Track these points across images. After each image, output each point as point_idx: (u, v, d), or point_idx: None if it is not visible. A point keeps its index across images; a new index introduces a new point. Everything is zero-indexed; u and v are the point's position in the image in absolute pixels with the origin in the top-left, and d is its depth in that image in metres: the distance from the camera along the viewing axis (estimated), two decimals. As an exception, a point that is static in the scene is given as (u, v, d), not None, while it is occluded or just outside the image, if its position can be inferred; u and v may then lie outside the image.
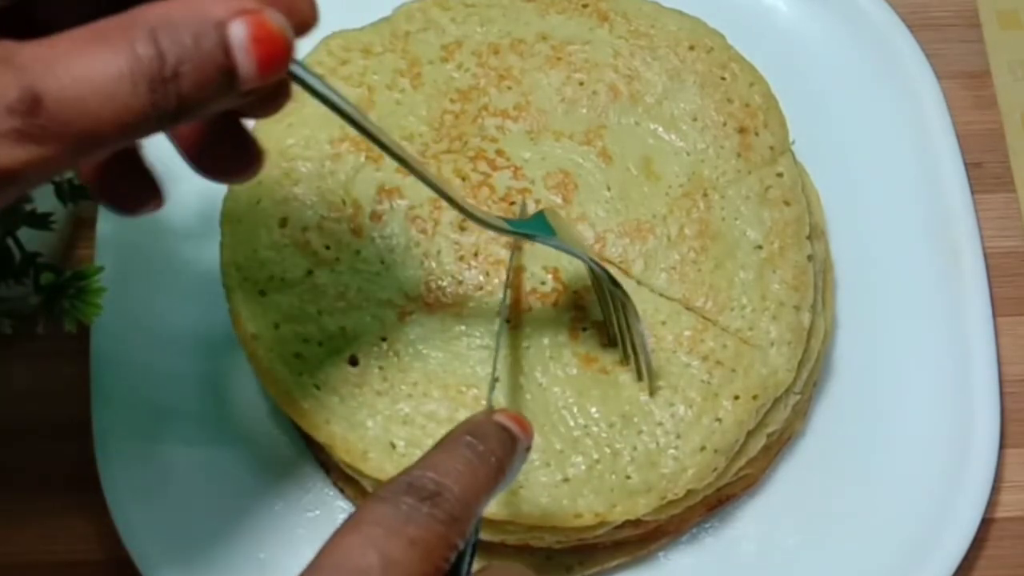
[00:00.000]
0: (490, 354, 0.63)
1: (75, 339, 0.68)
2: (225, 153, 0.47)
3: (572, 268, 0.65)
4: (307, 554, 0.66)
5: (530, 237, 0.59)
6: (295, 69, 0.42)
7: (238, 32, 0.38)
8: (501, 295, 0.64)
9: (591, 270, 0.61)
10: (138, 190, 0.48)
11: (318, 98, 0.44)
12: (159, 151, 0.47)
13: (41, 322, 0.64)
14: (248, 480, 0.69)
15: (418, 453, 0.60)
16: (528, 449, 0.50)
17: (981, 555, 0.69)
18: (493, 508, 0.60)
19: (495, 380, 0.58)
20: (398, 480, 0.45)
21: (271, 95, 0.44)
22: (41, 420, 0.73)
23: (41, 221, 0.66)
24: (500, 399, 0.62)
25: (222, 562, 0.67)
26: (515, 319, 0.64)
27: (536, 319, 0.64)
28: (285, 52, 0.39)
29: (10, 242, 0.64)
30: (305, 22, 0.42)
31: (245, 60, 0.39)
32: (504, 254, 0.65)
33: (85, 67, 0.37)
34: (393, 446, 0.61)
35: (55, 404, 0.73)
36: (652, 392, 0.62)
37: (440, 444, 0.48)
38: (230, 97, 0.40)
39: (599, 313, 0.64)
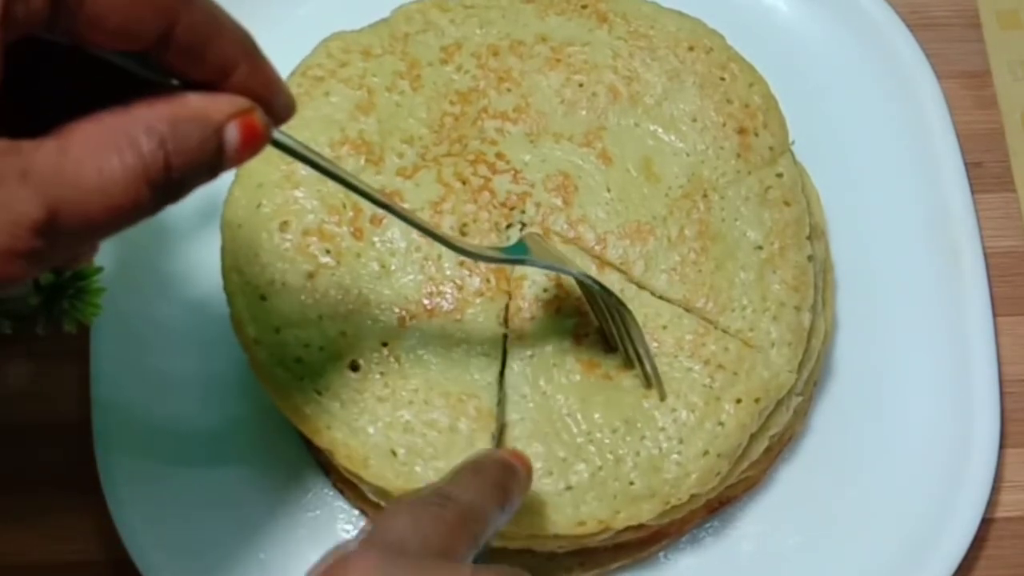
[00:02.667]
0: (490, 361, 0.63)
1: (75, 339, 0.68)
2: None
3: (573, 274, 0.65)
4: (308, 554, 0.67)
5: (519, 261, 0.59)
6: (277, 137, 0.45)
7: (232, 134, 0.42)
8: (502, 303, 0.64)
9: (582, 285, 0.61)
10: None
11: (297, 158, 0.47)
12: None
13: (41, 322, 0.64)
14: (248, 480, 0.69)
15: (418, 462, 0.60)
16: (529, 476, 0.56)
17: (981, 555, 0.69)
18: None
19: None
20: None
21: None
22: (41, 420, 0.72)
23: (41, 223, 0.66)
24: (505, 409, 0.63)
25: (222, 562, 0.67)
26: (518, 327, 0.64)
27: (539, 326, 0.64)
28: (262, 145, 0.44)
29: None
30: (289, 111, 0.46)
31: (232, 156, 0.42)
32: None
33: (97, 179, 0.39)
34: (394, 454, 0.61)
35: (55, 404, 0.72)
36: (663, 397, 0.63)
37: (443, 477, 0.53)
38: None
39: (601, 319, 0.64)
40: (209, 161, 0.41)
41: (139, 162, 0.39)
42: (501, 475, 0.53)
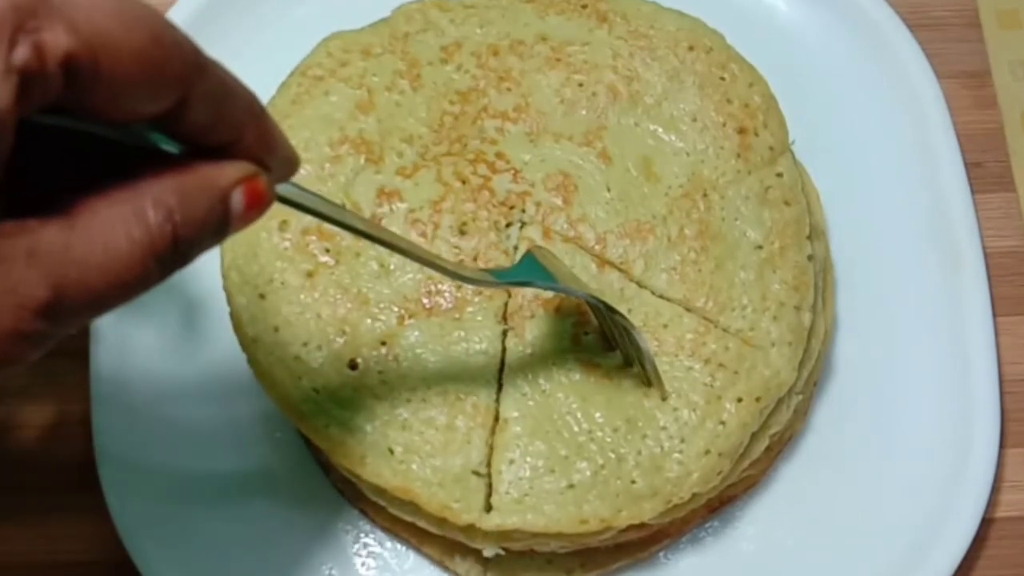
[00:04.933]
0: (489, 360, 0.63)
1: (75, 339, 0.68)
2: None
3: (573, 274, 0.65)
4: (307, 554, 0.67)
5: (526, 284, 0.59)
6: (281, 192, 0.45)
7: (237, 200, 0.41)
8: (500, 302, 0.64)
9: (588, 304, 0.61)
10: None
11: (303, 211, 0.47)
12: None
13: (40, 323, 0.64)
14: (247, 480, 0.69)
15: (415, 460, 0.60)
16: None
17: (981, 555, 0.69)
18: (499, 519, 0.60)
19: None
20: None
21: None
22: (41, 420, 0.72)
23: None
24: (504, 407, 0.63)
25: (220, 561, 0.67)
26: (518, 326, 0.64)
27: (539, 325, 0.64)
28: (268, 206, 0.43)
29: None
30: (292, 168, 0.45)
31: (237, 222, 0.42)
32: (504, 260, 0.65)
33: (103, 256, 0.38)
34: (391, 451, 0.61)
35: (55, 404, 0.72)
36: (664, 396, 0.63)
37: None
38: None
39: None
40: (215, 229, 0.41)
41: (146, 236, 0.39)
42: None
